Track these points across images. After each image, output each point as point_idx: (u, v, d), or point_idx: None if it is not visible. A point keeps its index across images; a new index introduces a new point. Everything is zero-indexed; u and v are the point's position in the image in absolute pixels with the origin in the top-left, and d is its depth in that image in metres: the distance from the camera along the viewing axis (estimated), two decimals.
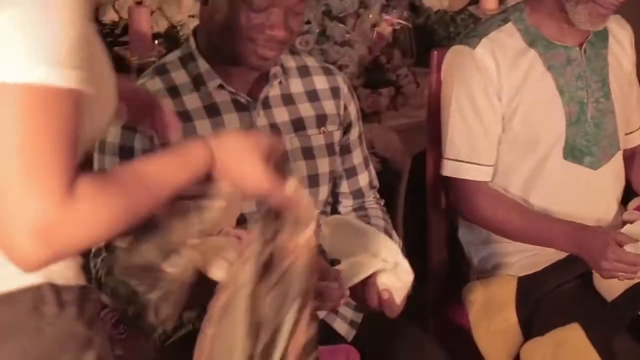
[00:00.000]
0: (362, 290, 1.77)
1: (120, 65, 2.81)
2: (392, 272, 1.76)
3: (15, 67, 1.02)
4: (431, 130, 2.46)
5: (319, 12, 3.34)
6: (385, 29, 3.41)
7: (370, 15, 3.44)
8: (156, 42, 3.00)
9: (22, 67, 1.02)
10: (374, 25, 3.42)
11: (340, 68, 2.87)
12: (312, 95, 1.97)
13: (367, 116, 3.19)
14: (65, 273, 1.26)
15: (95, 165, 1.82)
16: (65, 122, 1.04)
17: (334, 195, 2.05)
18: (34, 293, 1.21)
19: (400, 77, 3.42)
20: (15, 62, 1.02)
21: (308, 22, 3.27)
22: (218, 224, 1.34)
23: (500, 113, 2.27)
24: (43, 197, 1.02)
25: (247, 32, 1.77)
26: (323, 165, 1.94)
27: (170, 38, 3.05)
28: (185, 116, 1.82)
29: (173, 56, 1.93)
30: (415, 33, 3.72)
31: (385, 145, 3.11)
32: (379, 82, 3.36)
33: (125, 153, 1.79)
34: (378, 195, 2.13)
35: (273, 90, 1.92)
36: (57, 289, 1.23)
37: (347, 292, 1.71)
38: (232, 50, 1.81)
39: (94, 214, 1.06)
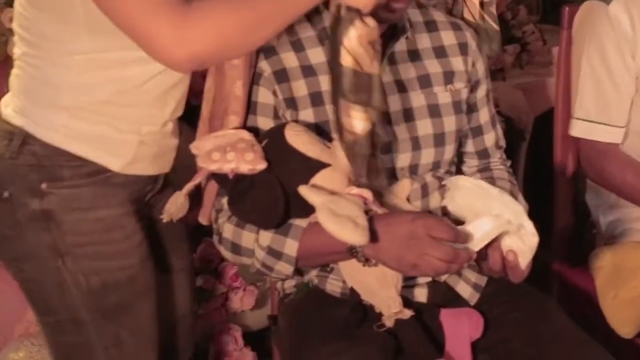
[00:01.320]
0: (486, 254, 1.73)
1: None
2: (516, 235, 1.71)
3: None
4: (560, 90, 2.39)
5: None
6: None
7: None
8: None
9: None
10: None
11: None
12: (440, 52, 1.91)
13: (492, 73, 3.12)
14: (46, 132, 1.58)
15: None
16: None
17: (459, 155, 2.00)
18: (8, 127, 1.61)
19: (526, 33, 3.35)
20: None
21: None
22: None
23: (634, 73, 2.19)
24: (169, 21, 1.41)
25: None
26: (449, 123, 1.88)
27: None
28: (309, 70, 1.79)
29: None
30: None
31: (510, 104, 3.04)
32: (504, 39, 3.28)
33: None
34: (504, 156, 2.07)
35: (399, 46, 1.86)
36: (26, 136, 1.59)
37: (475, 255, 1.66)
38: None
39: (210, 18, 1.42)
